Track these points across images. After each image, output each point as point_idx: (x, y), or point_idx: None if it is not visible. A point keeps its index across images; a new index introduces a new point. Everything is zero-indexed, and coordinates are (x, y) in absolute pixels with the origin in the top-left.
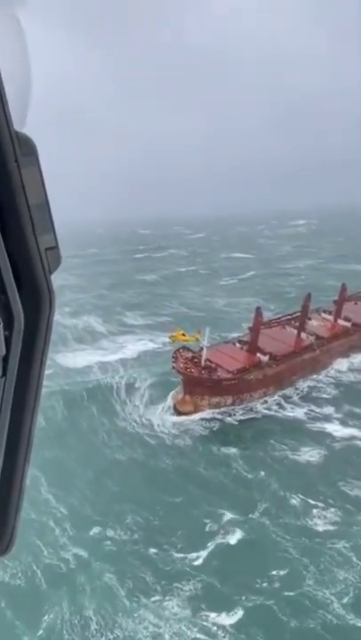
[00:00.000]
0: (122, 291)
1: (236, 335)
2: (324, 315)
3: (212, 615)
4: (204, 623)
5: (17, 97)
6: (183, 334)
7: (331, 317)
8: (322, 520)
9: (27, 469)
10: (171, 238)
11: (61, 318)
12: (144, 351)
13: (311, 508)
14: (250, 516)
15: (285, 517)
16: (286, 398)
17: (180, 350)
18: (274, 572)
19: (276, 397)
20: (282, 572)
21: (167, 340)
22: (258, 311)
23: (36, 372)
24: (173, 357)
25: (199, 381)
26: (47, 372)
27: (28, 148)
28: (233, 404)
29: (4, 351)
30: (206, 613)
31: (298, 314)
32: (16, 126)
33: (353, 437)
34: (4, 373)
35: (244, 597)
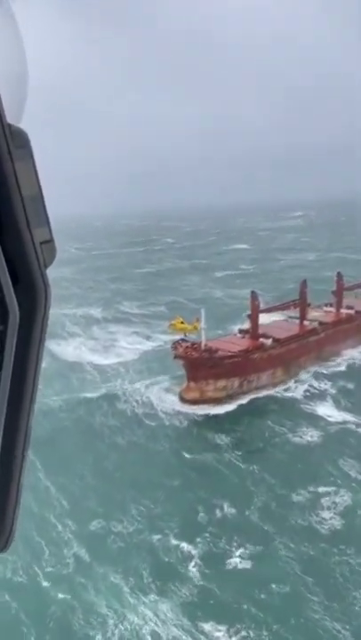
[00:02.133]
0: (122, 283)
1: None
2: (326, 308)
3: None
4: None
5: (12, 91)
6: (182, 322)
7: (333, 309)
8: None
9: (24, 465)
10: (171, 230)
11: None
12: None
13: None
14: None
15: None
16: (300, 383)
17: (179, 341)
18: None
19: (289, 384)
20: None
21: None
22: (253, 295)
23: (33, 367)
24: (173, 347)
25: (201, 363)
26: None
27: (20, 141)
28: (241, 386)
29: None
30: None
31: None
32: (12, 120)
33: None
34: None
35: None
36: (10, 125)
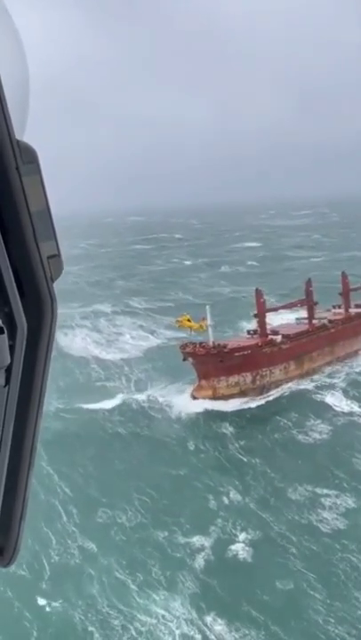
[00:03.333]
0: (130, 280)
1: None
2: (334, 310)
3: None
4: None
5: (15, 104)
6: (189, 320)
7: (342, 310)
8: None
9: (30, 479)
10: (180, 227)
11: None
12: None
13: None
14: None
15: None
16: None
17: (187, 344)
18: None
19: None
20: None
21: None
22: (258, 293)
23: (39, 381)
24: (181, 348)
25: (210, 358)
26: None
27: (28, 157)
28: (253, 382)
29: (8, 360)
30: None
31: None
32: (16, 134)
33: None
34: (7, 383)
35: None
36: (18, 141)
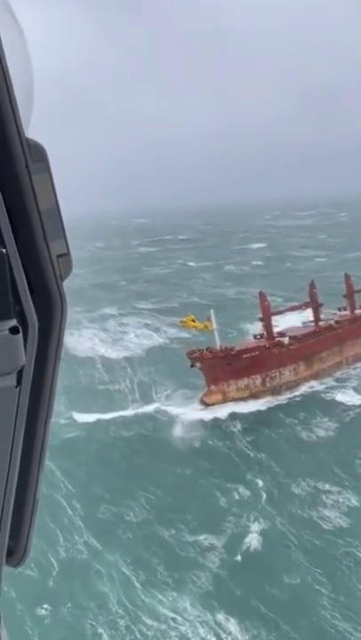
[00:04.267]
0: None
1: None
2: (340, 312)
3: None
4: None
5: (21, 102)
6: (193, 320)
7: (348, 312)
8: None
9: (40, 480)
10: (184, 228)
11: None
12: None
13: None
14: None
15: None
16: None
17: (193, 350)
18: None
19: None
20: None
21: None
22: (262, 296)
23: (49, 382)
24: (188, 354)
25: (218, 362)
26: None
27: (38, 154)
28: (264, 384)
29: (23, 361)
30: None
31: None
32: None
33: None
34: (19, 383)
35: None
36: (27, 139)
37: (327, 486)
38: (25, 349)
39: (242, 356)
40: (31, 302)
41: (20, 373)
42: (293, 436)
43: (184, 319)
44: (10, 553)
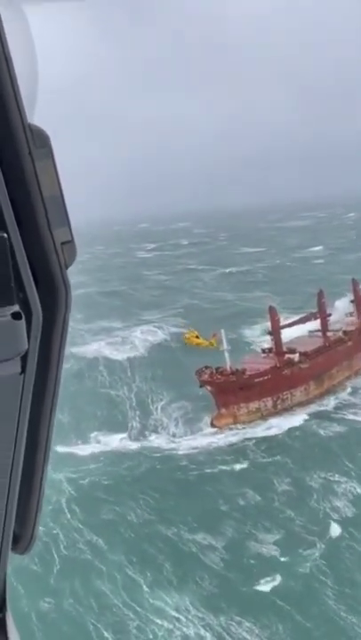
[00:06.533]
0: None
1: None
2: (347, 319)
3: None
4: None
5: (25, 90)
6: (197, 336)
7: (355, 318)
8: None
9: (46, 469)
10: (185, 233)
11: None
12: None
13: None
14: None
15: None
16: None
17: (203, 368)
18: None
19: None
20: None
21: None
22: (272, 311)
23: (54, 370)
24: (197, 374)
25: (229, 386)
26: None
27: (41, 141)
28: (275, 406)
29: (26, 346)
30: None
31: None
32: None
33: None
34: (24, 370)
35: None
36: (30, 125)
37: None
38: (29, 337)
39: (254, 379)
40: (35, 290)
41: (24, 361)
42: None
43: (187, 335)
44: (16, 540)
